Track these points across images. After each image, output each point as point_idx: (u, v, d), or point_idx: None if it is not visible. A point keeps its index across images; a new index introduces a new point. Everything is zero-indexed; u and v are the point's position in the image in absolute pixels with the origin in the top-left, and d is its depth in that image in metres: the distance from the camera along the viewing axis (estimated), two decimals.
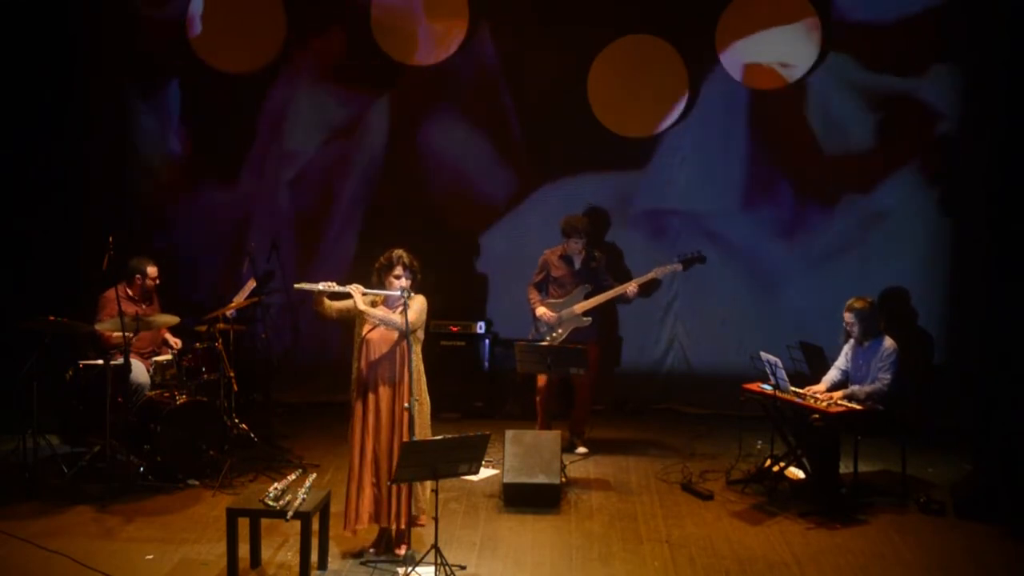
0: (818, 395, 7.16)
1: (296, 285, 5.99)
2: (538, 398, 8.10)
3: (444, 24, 9.20)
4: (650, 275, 8.22)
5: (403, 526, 5.97)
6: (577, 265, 8.12)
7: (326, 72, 9.44)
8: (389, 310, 5.96)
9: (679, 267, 8.36)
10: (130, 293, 7.64)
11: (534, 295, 8.20)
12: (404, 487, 5.87)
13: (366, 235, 9.39)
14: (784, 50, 8.92)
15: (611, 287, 8.11)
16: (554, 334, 8.02)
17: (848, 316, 7.26)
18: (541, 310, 8.08)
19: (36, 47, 9.00)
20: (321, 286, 5.86)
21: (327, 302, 5.96)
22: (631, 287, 8.10)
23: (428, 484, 5.94)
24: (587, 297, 8.06)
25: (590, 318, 8.05)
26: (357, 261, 9.11)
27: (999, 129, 8.60)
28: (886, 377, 7.12)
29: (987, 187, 8.69)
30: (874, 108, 8.95)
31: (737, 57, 8.99)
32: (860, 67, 8.92)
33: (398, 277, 5.94)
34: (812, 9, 8.83)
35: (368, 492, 5.94)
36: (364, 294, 5.92)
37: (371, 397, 5.95)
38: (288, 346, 9.46)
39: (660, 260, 8.36)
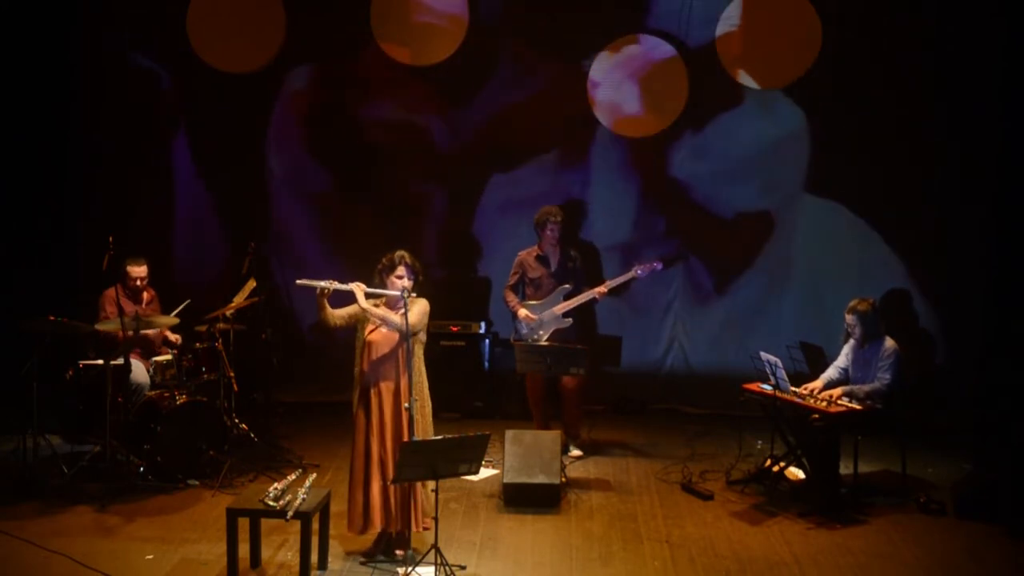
0: (817, 394, 7.14)
1: (298, 281, 6.00)
2: (530, 399, 8.06)
3: (445, 24, 9.20)
4: (629, 274, 8.10)
5: (406, 528, 5.94)
6: (553, 266, 8.02)
7: (325, 73, 9.48)
8: (391, 311, 5.95)
9: (659, 266, 8.18)
10: (126, 293, 7.64)
11: (511, 297, 8.09)
12: (408, 490, 5.87)
13: (367, 235, 9.37)
14: None
15: (587, 289, 7.97)
16: (535, 336, 7.93)
17: (849, 317, 7.26)
18: (523, 312, 7.97)
19: (37, 45, 9.00)
20: (323, 283, 5.86)
21: (331, 311, 5.96)
22: (600, 289, 7.94)
23: (428, 484, 5.94)
24: (567, 298, 7.96)
25: (571, 319, 7.97)
26: (357, 261, 9.10)
27: (999, 128, 8.60)
28: (886, 377, 7.12)
29: (988, 187, 8.68)
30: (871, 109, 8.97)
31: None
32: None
33: (400, 277, 5.93)
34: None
35: (377, 495, 5.90)
36: (367, 294, 5.93)
37: (374, 399, 5.94)
38: (288, 345, 9.46)
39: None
